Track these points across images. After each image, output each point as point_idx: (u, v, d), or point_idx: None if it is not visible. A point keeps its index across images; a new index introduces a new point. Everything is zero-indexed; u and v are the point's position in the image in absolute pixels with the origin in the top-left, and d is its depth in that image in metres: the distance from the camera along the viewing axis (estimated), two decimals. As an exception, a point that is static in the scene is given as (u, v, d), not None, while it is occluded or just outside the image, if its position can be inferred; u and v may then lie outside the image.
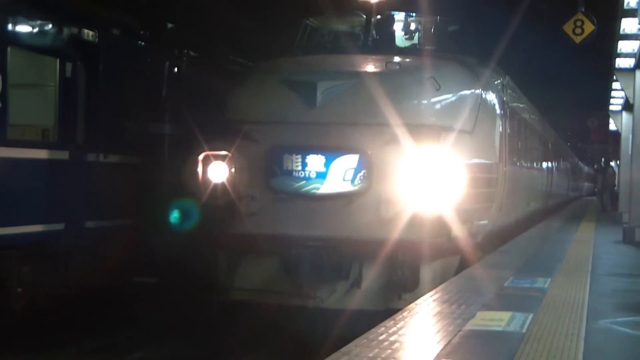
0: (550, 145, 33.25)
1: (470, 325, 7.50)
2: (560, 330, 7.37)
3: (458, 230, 11.58)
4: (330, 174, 11.33)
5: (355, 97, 11.34)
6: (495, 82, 15.62)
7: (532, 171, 24.17)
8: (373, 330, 7.38)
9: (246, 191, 11.72)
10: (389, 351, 6.42)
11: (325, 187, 11.35)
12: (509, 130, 16.42)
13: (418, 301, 9.22)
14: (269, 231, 11.46)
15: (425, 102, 11.72)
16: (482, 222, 13.18)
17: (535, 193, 25.57)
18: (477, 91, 13.16)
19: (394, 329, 7.41)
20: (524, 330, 7.31)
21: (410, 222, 10.83)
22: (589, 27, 17.67)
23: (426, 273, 11.11)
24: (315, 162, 11.46)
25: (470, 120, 12.25)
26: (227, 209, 11.84)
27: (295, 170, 11.50)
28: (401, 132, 11.04)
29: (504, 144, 15.16)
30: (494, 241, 16.22)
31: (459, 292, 9.82)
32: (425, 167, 10.83)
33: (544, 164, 29.90)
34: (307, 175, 11.46)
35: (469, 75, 13.40)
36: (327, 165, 11.37)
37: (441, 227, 11.11)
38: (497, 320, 7.85)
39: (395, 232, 10.75)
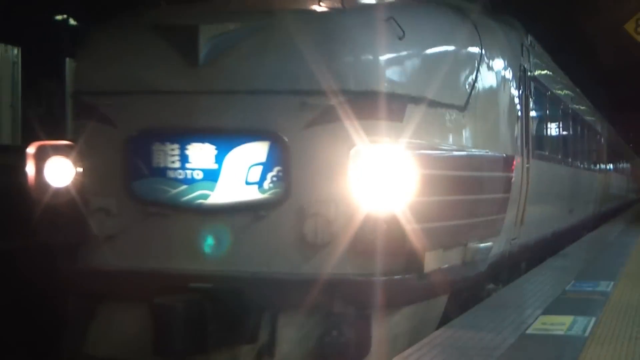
0: (603, 140, 29.27)
1: (531, 330, 7.43)
2: (623, 334, 7.24)
3: (438, 258, 7.92)
4: (224, 174, 7.62)
5: (264, 50, 7.53)
6: (510, 42, 11.44)
7: (577, 170, 20.25)
8: (435, 333, 7.43)
9: (98, 202, 7.95)
10: (448, 356, 6.41)
11: (217, 195, 7.64)
12: (535, 113, 13.22)
13: (477, 306, 9.10)
14: (130, 265, 7.75)
15: (380, 57, 7.69)
16: (486, 243, 9.01)
17: (582, 197, 21.50)
18: (475, 48, 9.47)
19: (453, 331, 7.42)
20: (586, 334, 7.20)
21: (353, 249, 7.16)
22: (652, 26, 17.51)
23: (382, 331, 7.50)
24: (200, 154, 7.73)
25: (462, 90, 8.85)
26: (72, 229, 8.09)
27: (170, 169, 7.78)
28: (339, 105, 7.25)
29: (526, 130, 11.75)
30: (517, 265, 12.70)
31: (519, 296, 9.74)
32: (379, 162, 7.03)
33: (596, 162, 26.02)
34: (188, 176, 7.73)
35: (461, 22, 9.57)
36: (219, 159, 7.63)
37: (407, 256, 7.41)
38: (559, 324, 7.74)
39: (330, 266, 7.15)
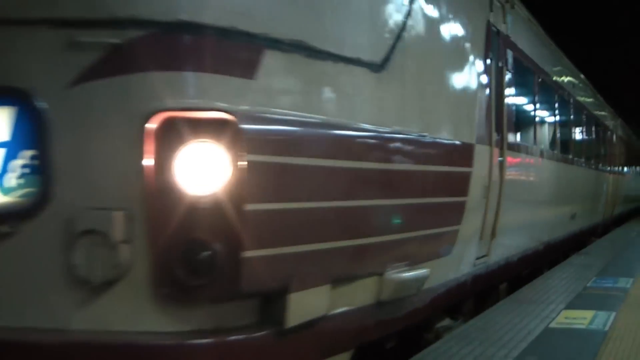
0: (616, 138, 26.17)
1: (554, 324, 7.52)
2: None
3: (322, 301, 5.12)
4: None
5: None
6: None
7: (581, 169, 17.19)
8: (464, 326, 7.53)
9: None
10: (477, 347, 6.49)
11: None
12: (516, 92, 10.20)
13: (504, 300, 9.15)
14: None
15: None
16: (419, 270, 6.20)
17: (589, 200, 18.63)
18: None
19: (482, 324, 7.56)
20: (606, 329, 7.27)
21: (158, 290, 4.37)
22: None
23: None
24: None
25: (377, 38, 5.79)
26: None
27: None
28: (131, 46, 4.42)
29: (498, 112, 8.79)
30: (494, 288, 10.12)
31: (544, 292, 9.72)
32: (201, 146, 4.38)
33: (607, 161, 22.97)
34: None
35: None
36: None
37: (252, 300, 4.70)
38: (580, 318, 7.82)
39: (117, 320, 4.39)
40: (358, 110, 5.41)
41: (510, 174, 9.28)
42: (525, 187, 10.81)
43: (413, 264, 6.16)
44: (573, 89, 16.68)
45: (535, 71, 11.90)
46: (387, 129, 5.68)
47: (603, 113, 23.36)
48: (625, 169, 30.17)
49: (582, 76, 19.03)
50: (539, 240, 12.55)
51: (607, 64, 29.99)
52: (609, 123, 24.51)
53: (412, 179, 6.17)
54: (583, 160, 17.54)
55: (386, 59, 5.66)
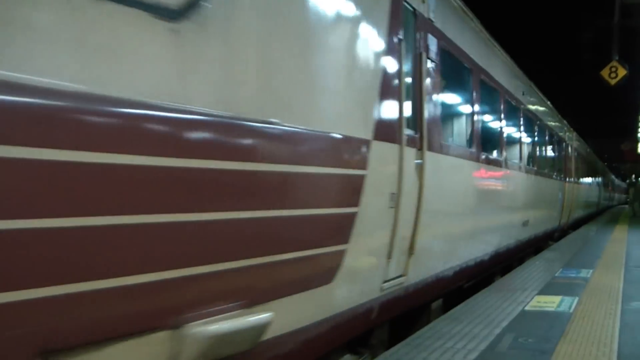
0: (571, 150, 22.74)
1: (528, 307, 7.54)
2: (600, 311, 7.33)
3: None
4: None
5: None
6: None
7: (532, 176, 14.07)
8: (454, 309, 7.44)
9: None
10: (465, 326, 6.51)
11: None
12: (447, 87, 7.88)
13: (487, 288, 9.08)
14: None
15: None
16: (254, 317, 3.82)
17: (542, 205, 15.47)
18: None
19: (468, 307, 7.50)
20: (571, 311, 7.30)
21: None
22: (622, 72, 17.71)
23: None
24: None
25: None
26: None
27: None
28: None
29: (417, 104, 6.65)
30: (419, 310, 7.71)
31: (520, 281, 9.72)
32: None
33: (562, 170, 19.96)
34: None
35: None
36: None
37: None
38: (550, 302, 7.84)
39: None
40: (135, 77, 3.08)
41: (435, 180, 6.92)
42: (459, 194, 8.33)
43: (251, 303, 3.84)
44: (523, 97, 13.84)
45: (474, 70, 9.29)
46: (190, 109, 3.35)
47: (558, 125, 20.23)
48: (582, 179, 27.49)
49: (533, 86, 15.66)
50: (484, 249, 9.90)
51: (572, 92, 29.90)
52: (564, 135, 21.42)
53: (238, 181, 3.72)
54: (536, 168, 14.73)
55: (191, 3, 3.36)
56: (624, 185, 75.66)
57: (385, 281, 5.88)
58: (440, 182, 7.27)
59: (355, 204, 5.03)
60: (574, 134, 24.73)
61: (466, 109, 9.46)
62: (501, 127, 11.31)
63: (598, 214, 38.30)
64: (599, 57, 18.83)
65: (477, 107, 9.56)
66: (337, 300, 5.02)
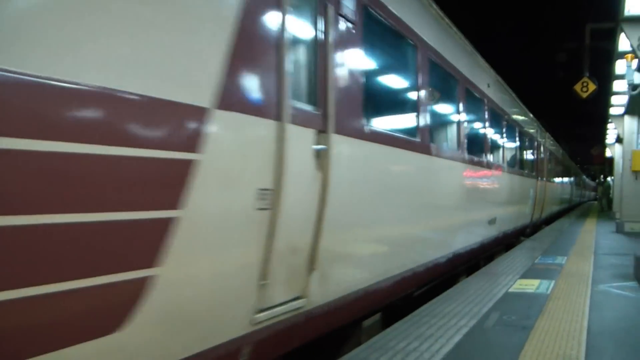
0: (543, 149, 19.96)
1: (512, 289, 7.53)
2: (573, 292, 7.35)
3: None
4: None
5: None
6: None
7: (498, 172, 11.61)
8: (447, 291, 7.42)
9: None
10: (457, 306, 6.52)
11: None
12: (377, 61, 5.89)
13: (475, 273, 9.02)
14: None
15: None
16: None
17: (511, 203, 13.03)
18: None
19: (461, 288, 7.46)
20: (548, 292, 7.30)
21: None
22: (592, 87, 17.79)
23: None
24: None
25: None
26: None
27: None
28: None
29: (320, 74, 4.45)
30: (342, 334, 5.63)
31: (504, 267, 9.67)
32: None
33: (531, 166, 17.03)
34: None
35: None
36: None
37: None
38: (530, 285, 7.82)
39: None
40: None
41: (354, 173, 5.00)
42: (398, 191, 6.17)
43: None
44: (489, 89, 11.11)
45: (420, 46, 6.78)
46: None
47: (530, 124, 17.33)
48: (555, 177, 24.72)
49: (502, 82, 12.88)
50: (438, 252, 7.73)
51: (551, 104, 29.78)
52: (537, 134, 18.62)
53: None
54: (504, 164, 12.27)
55: None
56: (593, 184, 75.70)
57: (261, 311, 3.80)
58: (365, 176, 5.27)
59: (173, 205, 2.99)
60: (547, 134, 22.04)
61: (410, 90, 6.88)
62: (460, 119, 8.88)
63: (571, 209, 37.67)
64: (574, 74, 18.84)
65: (425, 91, 7.00)
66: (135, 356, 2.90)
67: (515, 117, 14.39)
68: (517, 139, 14.58)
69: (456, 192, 8.63)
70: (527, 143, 16.36)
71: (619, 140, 22.84)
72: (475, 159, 9.70)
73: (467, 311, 6.23)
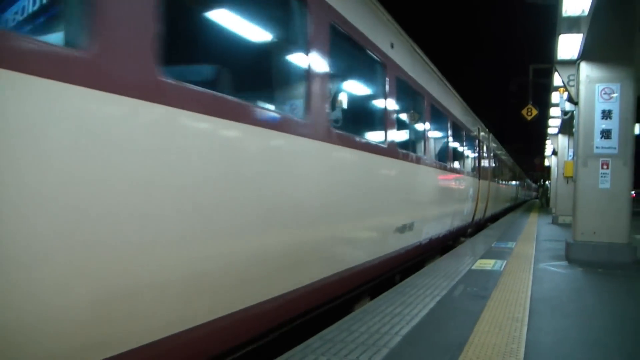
0: (486, 150, 15.51)
1: (474, 267, 7.50)
2: (520, 269, 7.33)
3: None
4: None
5: None
6: None
7: (423, 168, 7.33)
8: (425, 267, 7.34)
9: None
10: (432, 280, 6.46)
11: None
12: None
13: (445, 255, 8.88)
14: None
15: None
16: None
17: (443, 204, 9.02)
18: None
19: (433, 266, 7.40)
20: (501, 269, 7.28)
21: None
22: (534, 112, 17.91)
23: None
24: None
25: None
26: None
27: None
28: None
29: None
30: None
31: (467, 249, 9.60)
32: None
33: (469, 165, 12.57)
34: None
35: None
36: None
37: None
38: (488, 264, 7.79)
39: None
40: None
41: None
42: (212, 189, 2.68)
43: None
44: (413, 70, 6.85)
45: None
46: None
47: (467, 119, 12.31)
48: (500, 178, 20.58)
49: (431, 65, 8.28)
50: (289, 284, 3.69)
51: (504, 124, 29.67)
52: (478, 133, 13.93)
53: None
54: (427, 157, 7.80)
55: None
56: (535, 186, 75.91)
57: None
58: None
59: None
60: (491, 135, 17.43)
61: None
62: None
63: (518, 206, 36.64)
64: (521, 101, 18.90)
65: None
66: None
67: (448, 107, 9.67)
68: (451, 132, 10.03)
69: (346, 192, 4.61)
70: (465, 140, 11.83)
71: (555, 153, 22.79)
72: (375, 145, 5.35)
73: (439, 284, 6.19)
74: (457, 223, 10.59)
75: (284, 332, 4.08)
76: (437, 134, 9.10)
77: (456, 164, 10.67)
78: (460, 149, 11.28)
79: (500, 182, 20.79)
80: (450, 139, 10.06)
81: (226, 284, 2.92)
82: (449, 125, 9.89)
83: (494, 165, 17.85)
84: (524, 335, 4.08)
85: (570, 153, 17.11)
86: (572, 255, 8.33)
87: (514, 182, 30.55)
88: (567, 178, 16.80)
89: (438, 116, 8.92)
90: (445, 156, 9.48)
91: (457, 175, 10.40)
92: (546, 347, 3.83)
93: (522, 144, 37.92)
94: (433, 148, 8.52)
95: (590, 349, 3.86)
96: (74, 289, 1.97)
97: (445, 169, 9.13)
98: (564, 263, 8.15)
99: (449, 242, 10.53)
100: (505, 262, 8.04)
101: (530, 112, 17.95)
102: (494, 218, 19.26)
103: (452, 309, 4.97)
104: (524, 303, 5.19)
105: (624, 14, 7.83)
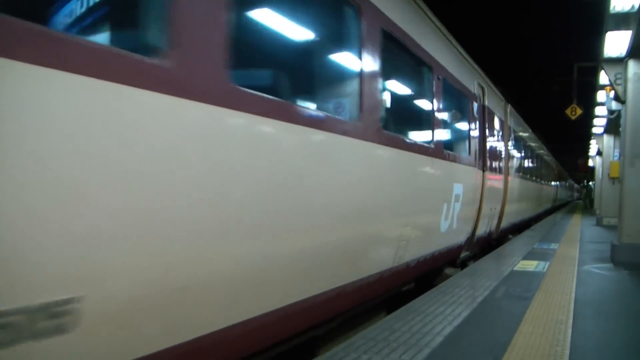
0: (504, 128, 10.36)
1: (516, 268, 7.42)
2: (564, 271, 7.23)
3: None
4: None
5: None
6: None
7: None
8: (466, 269, 7.32)
9: None
10: (474, 280, 6.42)
11: None
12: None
13: (485, 257, 8.80)
14: None
15: None
16: None
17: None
18: None
19: (476, 268, 7.36)
20: (544, 271, 7.19)
21: None
22: (579, 111, 17.52)
23: None
24: None
25: None
26: None
27: None
28: None
29: None
30: None
31: (510, 251, 9.51)
32: None
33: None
34: None
35: None
36: None
37: None
38: (530, 265, 7.69)
39: None
40: None
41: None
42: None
43: None
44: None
45: None
46: None
47: (494, 99, 9.81)
48: (533, 174, 16.61)
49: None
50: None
51: (548, 125, 28.84)
52: (481, 97, 8.60)
53: None
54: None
55: None
56: (578, 187, 74.20)
57: None
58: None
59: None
60: (509, 106, 11.80)
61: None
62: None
63: (558, 208, 33.59)
64: (565, 101, 18.52)
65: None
66: None
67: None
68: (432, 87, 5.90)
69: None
70: (458, 104, 7.43)
71: (599, 153, 22.14)
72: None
73: (482, 284, 6.15)
74: (425, 248, 6.06)
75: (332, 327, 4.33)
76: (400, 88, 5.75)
77: (447, 146, 6.60)
78: (453, 124, 7.39)
79: (530, 178, 15.70)
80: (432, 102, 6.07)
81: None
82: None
83: (519, 153, 13.32)
84: (568, 338, 4.02)
85: (616, 153, 16.60)
86: (618, 257, 8.12)
87: (553, 182, 27.33)
88: (612, 179, 16.34)
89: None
90: (420, 127, 6.01)
91: (436, 160, 5.88)
92: (591, 350, 3.77)
93: (565, 144, 36.90)
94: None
95: (636, 354, 3.78)
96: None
97: (404, 146, 5.08)
98: (609, 265, 7.96)
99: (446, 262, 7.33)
100: (548, 263, 7.91)
101: (574, 112, 17.56)
102: (519, 228, 14.38)
103: (494, 309, 4.93)
104: (567, 305, 5.10)
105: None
